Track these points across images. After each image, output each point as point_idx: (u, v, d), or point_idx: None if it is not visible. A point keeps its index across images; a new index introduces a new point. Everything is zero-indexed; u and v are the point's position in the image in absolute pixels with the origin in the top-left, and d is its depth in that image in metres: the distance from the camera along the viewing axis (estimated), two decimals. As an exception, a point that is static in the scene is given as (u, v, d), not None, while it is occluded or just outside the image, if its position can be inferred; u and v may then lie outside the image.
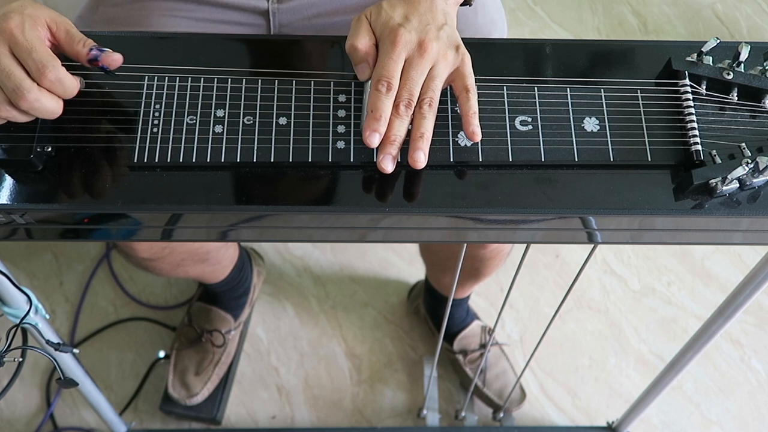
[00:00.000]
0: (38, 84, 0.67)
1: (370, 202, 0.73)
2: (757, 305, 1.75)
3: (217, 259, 1.43)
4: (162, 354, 1.63)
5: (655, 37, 2.16)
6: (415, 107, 0.73)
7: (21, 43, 0.67)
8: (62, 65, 0.69)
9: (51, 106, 0.69)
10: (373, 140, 0.71)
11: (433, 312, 1.64)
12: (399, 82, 0.72)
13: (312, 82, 0.77)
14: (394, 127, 0.72)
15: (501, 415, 1.54)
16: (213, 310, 1.60)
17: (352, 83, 0.77)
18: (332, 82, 0.77)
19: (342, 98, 0.77)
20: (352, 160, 0.74)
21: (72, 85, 0.70)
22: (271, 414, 1.62)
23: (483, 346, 1.59)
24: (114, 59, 0.72)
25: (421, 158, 0.72)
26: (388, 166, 0.72)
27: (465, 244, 0.92)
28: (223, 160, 0.73)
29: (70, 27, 0.72)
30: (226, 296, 1.60)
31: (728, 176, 0.71)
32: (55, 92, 0.69)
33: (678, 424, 1.62)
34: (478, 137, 0.74)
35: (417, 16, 0.74)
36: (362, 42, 0.74)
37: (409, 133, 0.73)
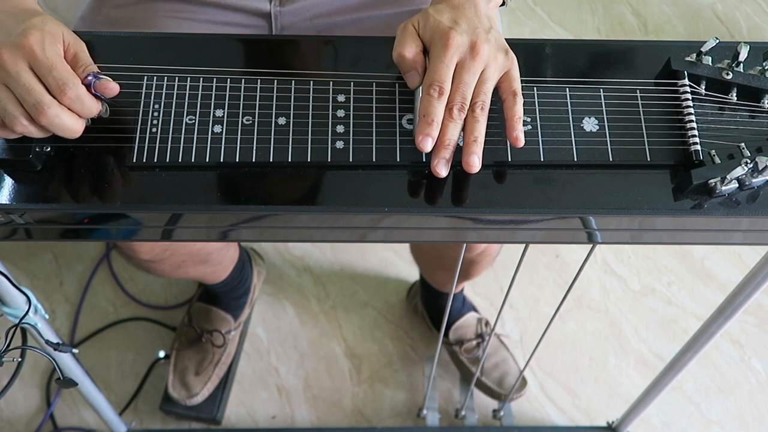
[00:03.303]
0: (58, 101, 0.67)
1: (369, 202, 0.73)
2: (757, 305, 1.75)
3: (217, 260, 1.43)
4: (162, 354, 1.63)
5: (655, 37, 2.16)
6: (467, 111, 0.72)
7: (41, 61, 0.67)
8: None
9: (71, 124, 0.69)
10: (426, 145, 0.71)
11: (429, 307, 1.65)
12: (451, 85, 0.72)
13: (311, 82, 0.77)
14: (448, 131, 0.71)
15: (502, 413, 1.54)
16: (213, 311, 1.60)
17: (351, 83, 0.77)
18: (331, 82, 0.77)
19: (341, 98, 0.77)
20: (351, 159, 0.74)
21: (91, 104, 0.70)
22: (271, 414, 1.62)
23: (479, 335, 1.59)
24: (109, 88, 0.71)
25: (476, 162, 0.71)
26: (442, 170, 0.72)
27: (464, 246, 0.92)
28: (222, 160, 0.73)
29: (80, 51, 0.71)
30: (227, 296, 1.60)
31: (727, 176, 0.71)
32: (75, 110, 0.69)
33: (678, 424, 1.62)
34: (522, 143, 0.73)
35: (465, 20, 0.74)
36: (409, 50, 0.74)
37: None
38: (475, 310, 1.65)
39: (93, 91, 0.70)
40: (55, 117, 0.67)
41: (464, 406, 1.54)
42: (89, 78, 0.70)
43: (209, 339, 1.58)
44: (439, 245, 1.32)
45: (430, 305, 1.65)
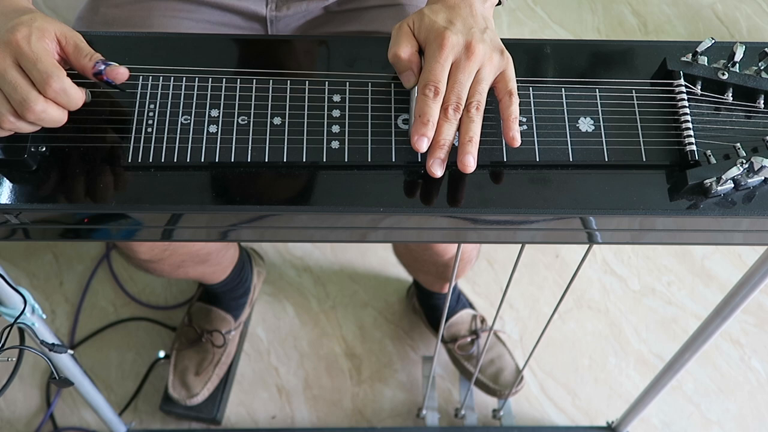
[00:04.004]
0: (43, 95, 0.67)
1: (365, 202, 0.73)
2: (756, 305, 1.74)
3: (217, 260, 1.43)
4: (162, 354, 1.63)
5: (655, 37, 2.15)
6: (462, 111, 0.72)
7: (27, 54, 0.67)
8: (68, 77, 0.68)
9: (57, 116, 0.69)
10: (422, 145, 0.71)
11: (424, 305, 1.66)
12: (447, 86, 0.72)
13: (306, 82, 0.77)
14: (444, 131, 0.71)
15: (501, 413, 1.54)
16: (213, 311, 1.61)
17: (347, 83, 0.77)
18: (327, 82, 0.77)
19: (336, 98, 0.77)
20: (346, 159, 0.74)
21: (77, 95, 0.69)
22: (271, 414, 1.62)
23: (473, 332, 1.59)
24: (119, 73, 0.71)
25: (471, 162, 0.72)
26: (438, 170, 0.72)
27: (459, 245, 0.93)
28: (217, 160, 0.73)
29: (79, 41, 0.71)
30: (227, 296, 1.60)
31: (723, 176, 0.71)
32: (60, 103, 0.69)
33: (678, 424, 1.62)
34: (518, 143, 0.73)
35: (460, 20, 0.74)
36: (405, 50, 0.74)
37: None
38: (471, 306, 1.65)
39: (104, 77, 0.70)
40: (42, 113, 0.67)
41: (464, 406, 1.54)
42: (99, 66, 0.70)
43: (209, 339, 1.58)
44: (413, 249, 1.33)
45: (424, 304, 1.65)
